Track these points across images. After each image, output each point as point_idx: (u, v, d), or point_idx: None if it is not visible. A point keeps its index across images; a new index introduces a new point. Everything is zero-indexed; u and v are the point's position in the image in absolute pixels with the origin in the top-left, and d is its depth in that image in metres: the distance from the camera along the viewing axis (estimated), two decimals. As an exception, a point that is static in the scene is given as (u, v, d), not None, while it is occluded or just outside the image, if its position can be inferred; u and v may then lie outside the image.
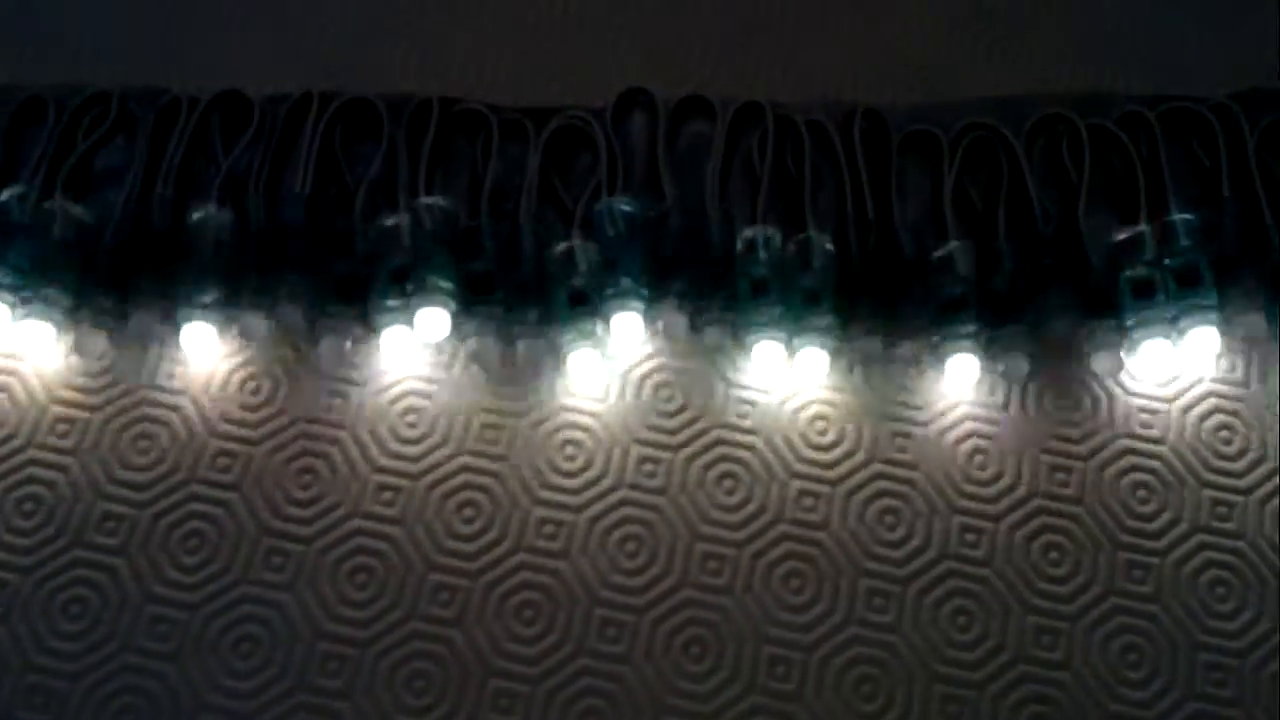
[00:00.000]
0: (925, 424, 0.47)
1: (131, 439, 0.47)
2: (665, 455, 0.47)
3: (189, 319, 0.47)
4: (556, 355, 0.48)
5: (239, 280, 0.48)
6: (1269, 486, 0.46)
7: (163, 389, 0.48)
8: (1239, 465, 0.46)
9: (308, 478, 0.46)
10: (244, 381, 0.48)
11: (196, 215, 0.49)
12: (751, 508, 0.46)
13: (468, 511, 0.46)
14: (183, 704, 0.42)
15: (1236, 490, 0.46)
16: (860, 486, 0.46)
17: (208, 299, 0.48)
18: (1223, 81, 0.52)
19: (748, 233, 0.49)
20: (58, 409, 0.47)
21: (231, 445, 0.47)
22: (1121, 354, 0.47)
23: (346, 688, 0.43)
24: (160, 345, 0.48)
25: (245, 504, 0.46)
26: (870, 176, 0.51)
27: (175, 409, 0.47)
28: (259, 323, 0.47)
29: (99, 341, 0.48)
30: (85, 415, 0.47)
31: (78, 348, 0.48)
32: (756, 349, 0.48)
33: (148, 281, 0.48)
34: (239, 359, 0.48)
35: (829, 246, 0.49)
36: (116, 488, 0.46)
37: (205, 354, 0.48)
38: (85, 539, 0.45)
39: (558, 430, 0.47)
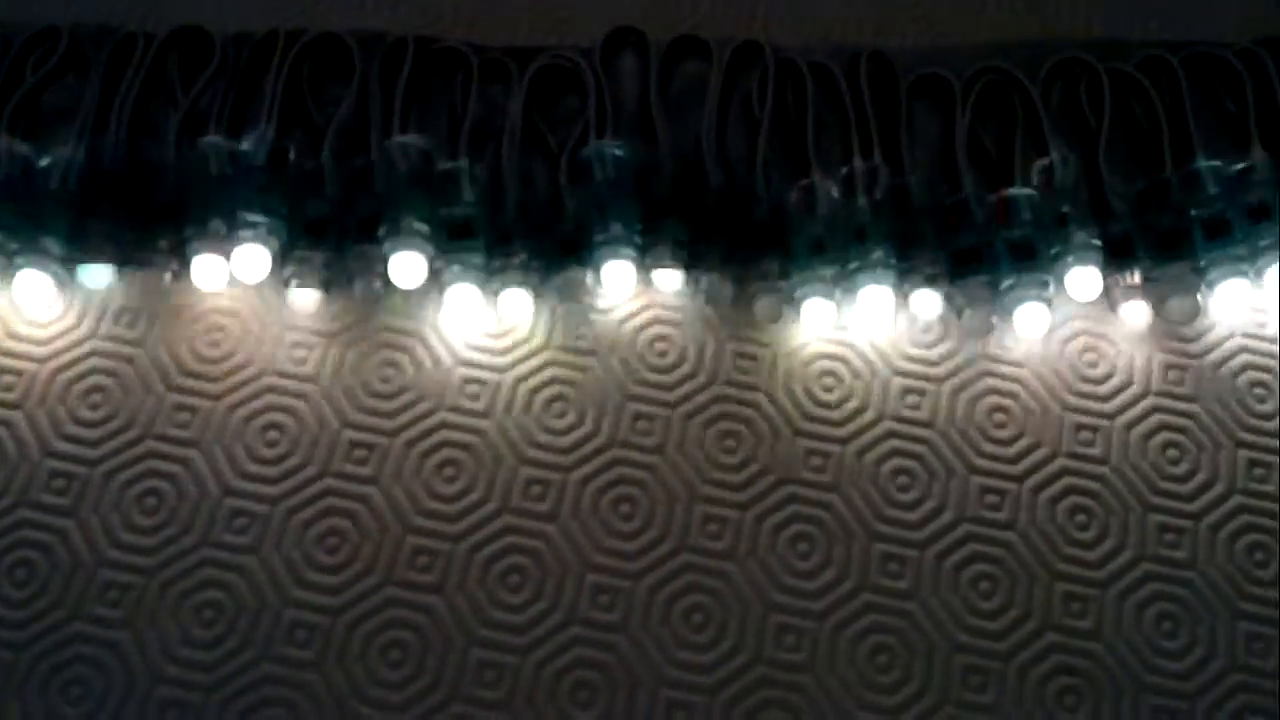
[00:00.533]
0: (940, 380, 0.44)
1: (82, 392, 0.43)
2: (661, 412, 0.43)
3: (142, 264, 0.44)
4: (542, 305, 0.44)
5: (197, 223, 0.44)
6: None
7: (115, 338, 0.44)
8: (1274, 424, 0.43)
9: (274, 434, 0.42)
10: (206, 331, 0.44)
11: (152, 156, 0.45)
12: (755, 467, 0.42)
13: (448, 471, 0.42)
14: (137, 676, 0.39)
15: (1273, 450, 0.43)
16: (872, 445, 0.43)
17: (162, 243, 0.44)
18: (1248, 27, 0.50)
19: (747, 178, 0.46)
20: (1, 360, 0.43)
21: (191, 400, 0.43)
22: (1198, 298, 0.44)
23: (317, 658, 0.39)
24: (111, 292, 0.44)
25: (206, 461, 0.42)
26: (878, 122, 0.47)
27: (128, 360, 0.43)
28: (218, 267, 0.44)
29: (46, 289, 0.44)
30: (31, 367, 0.43)
31: (23, 295, 0.44)
32: (757, 300, 0.45)
33: (98, 225, 0.44)
34: (195, 308, 0.44)
35: (834, 194, 0.46)
36: (65, 444, 0.42)
37: (159, 302, 0.44)
38: (31, 498, 0.41)
39: (545, 385, 0.44)
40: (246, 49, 0.48)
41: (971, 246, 0.45)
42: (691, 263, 0.45)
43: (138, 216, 0.44)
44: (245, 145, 0.45)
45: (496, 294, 0.45)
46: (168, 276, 0.44)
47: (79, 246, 0.44)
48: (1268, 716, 0.39)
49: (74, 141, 0.45)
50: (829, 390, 0.44)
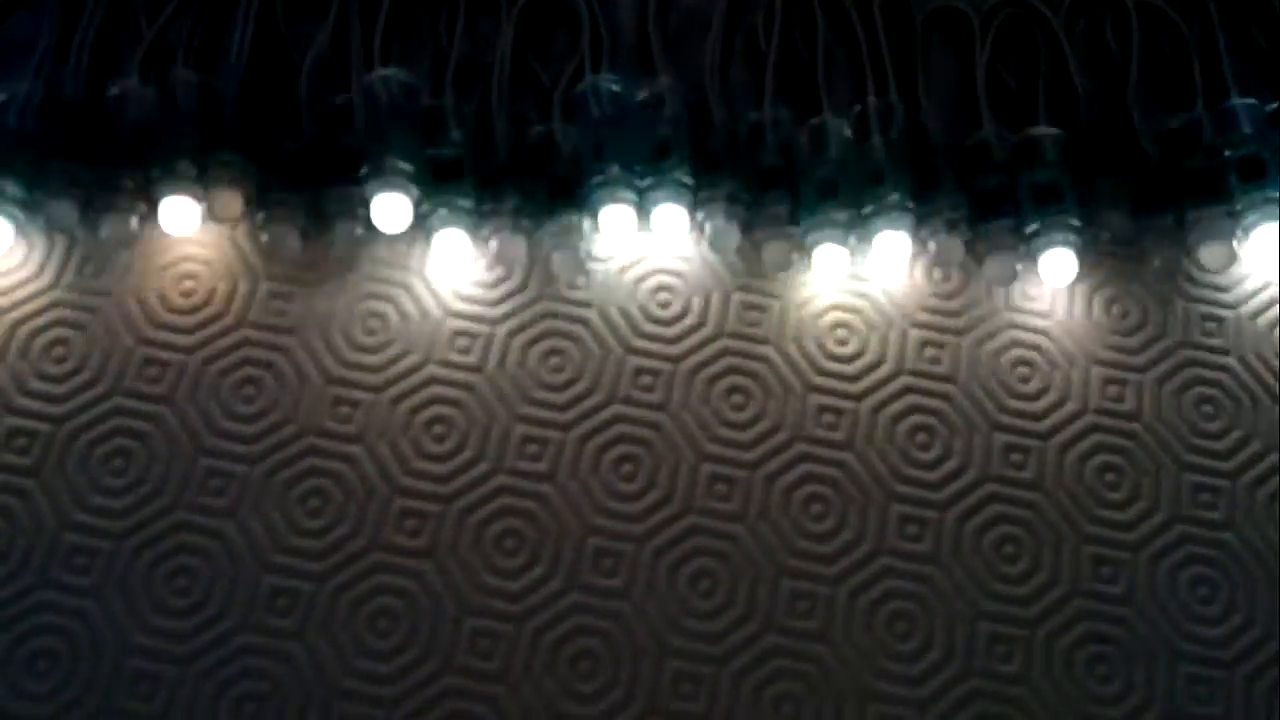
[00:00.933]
0: (961, 332, 0.41)
1: (45, 345, 0.40)
2: (665, 366, 0.41)
3: (107, 207, 0.41)
4: (536, 252, 0.42)
5: (165, 164, 0.41)
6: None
7: (81, 289, 0.41)
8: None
9: (251, 390, 0.40)
10: (178, 280, 0.41)
11: (115, 91, 0.42)
12: (765, 425, 0.40)
13: (438, 429, 0.39)
14: (106, 646, 0.36)
15: (1311, 408, 0.40)
16: (889, 400, 0.40)
17: (129, 184, 0.41)
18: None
19: (754, 116, 0.43)
20: (-43, 310, 0.40)
21: (162, 353, 0.40)
22: (1233, 244, 0.42)
23: (299, 627, 0.37)
24: (75, 237, 0.41)
25: (179, 418, 0.39)
26: (892, 59, 0.45)
27: (94, 311, 0.41)
28: (188, 209, 0.41)
29: (5, 234, 0.41)
30: (-11, 318, 0.40)
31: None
32: (766, 247, 0.42)
33: (61, 166, 0.41)
34: (174, 254, 0.41)
35: (847, 133, 0.43)
36: (29, 400, 0.39)
37: (126, 247, 0.41)
38: (-11, 459, 0.38)
39: (540, 338, 0.41)
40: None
41: (993, 189, 0.42)
42: (695, 207, 0.42)
43: (102, 156, 0.41)
44: (216, 80, 0.42)
45: (487, 240, 0.42)
46: (134, 220, 0.41)
47: (40, 188, 0.41)
48: (1308, 686, 0.37)
49: (32, 77, 0.42)
50: (843, 343, 0.41)
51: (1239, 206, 0.42)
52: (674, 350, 0.41)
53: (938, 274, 0.42)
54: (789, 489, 0.39)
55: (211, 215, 0.41)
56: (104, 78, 0.43)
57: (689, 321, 0.42)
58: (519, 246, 0.42)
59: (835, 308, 0.42)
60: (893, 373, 0.41)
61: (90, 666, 0.36)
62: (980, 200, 0.42)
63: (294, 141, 0.42)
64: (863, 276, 0.42)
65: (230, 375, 0.40)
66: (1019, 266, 0.42)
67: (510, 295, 0.42)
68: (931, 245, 0.42)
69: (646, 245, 0.43)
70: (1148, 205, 0.42)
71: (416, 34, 0.45)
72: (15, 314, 0.41)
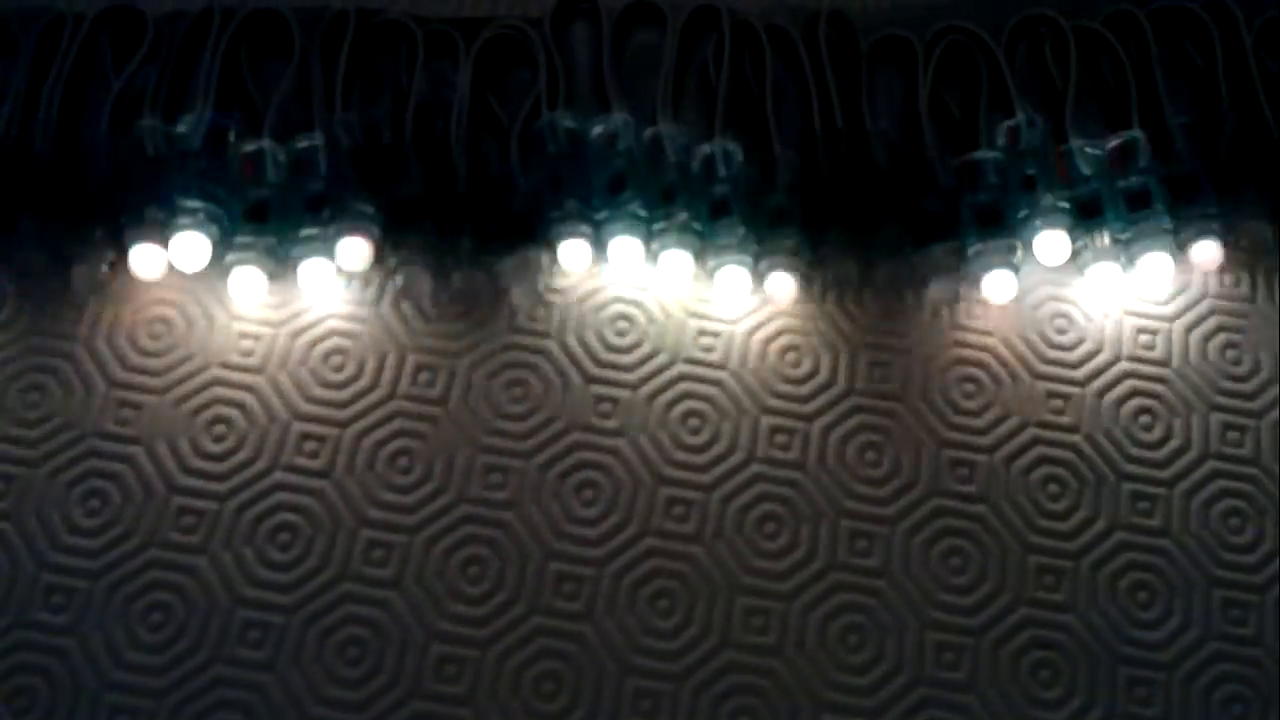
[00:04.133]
0: (907, 351, 0.43)
1: (20, 391, 0.41)
2: (623, 394, 0.42)
3: (79, 258, 0.42)
4: (496, 287, 0.43)
5: (133, 211, 0.42)
6: (1282, 408, 0.42)
7: (53, 334, 0.42)
8: (1249, 386, 0.42)
9: (220, 428, 0.41)
10: (148, 324, 0.43)
11: (84, 141, 0.43)
12: (720, 447, 0.41)
13: (402, 461, 0.41)
14: (84, 682, 0.37)
15: (1249, 414, 0.42)
16: (838, 421, 0.42)
17: (98, 232, 0.42)
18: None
19: (705, 148, 0.44)
20: (-67, 359, 0.41)
21: (133, 395, 0.41)
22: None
23: (270, 659, 0.38)
24: (48, 284, 0.42)
25: (150, 458, 0.40)
26: (839, 86, 0.46)
27: (68, 356, 0.42)
28: (156, 255, 0.42)
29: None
30: (-35, 365, 0.41)
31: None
32: (720, 275, 0.43)
33: (31, 215, 0.42)
34: (142, 298, 0.43)
35: (795, 162, 0.44)
36: (3, 445, 0.40)
37: (100, 294, 0.43)
38: (-33, 503, 0.39)
39: (502, 370, 0.42)
40: (181, 27, 0.46)
41: (937, 212, 0.43)
42: (650, 238, 0.44)
43: (71, 204, 0.43)
44: (181, 128, 0.43)
45: (449, 276, 0.43)
46: (104, 267, 0.42)
47: (10, 237, 0.42)
48: (1245, 684, 0.38)
49: (2, 126, 0.43)
50: (795, 365, 0.43)
51: (1174, 223, 0.43)
52: (631, 377, 0.42)
53: (885, 296, 0.44)
54: (744, 509, 0.40)
55: (179, 261, 0.42)
56: (73, 127, 0.44)
57: (645, 349, 0.43)
58: (480, 281, 0.43)
59: (786, 332, 0.43)
60: (843, 393, 0.42)
61: (69, 701, 0.37)
62: (924, 223, 0.44)
63: (258, 187, 0.43)
64: (813, 301, 0.43)
65: (200, 415, 0.41)
66: (962, 287, 0.43)
67: (471, 329, 0.43)
68: (881, 270, 0.43)
69: (604, 276, 0.44)
70: (1085, 224, 0.44)
71: (377, 73, 0.46)
72: (-9, 361, 0.42)
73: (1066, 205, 0.44)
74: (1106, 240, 0.43)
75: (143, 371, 0.42)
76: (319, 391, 0.42)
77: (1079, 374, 0.42)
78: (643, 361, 0.43)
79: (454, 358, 0.42)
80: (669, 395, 0.42)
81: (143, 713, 0.37)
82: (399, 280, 0.43)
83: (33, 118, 0.44)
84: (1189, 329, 0.43)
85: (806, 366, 0.43)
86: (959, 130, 0.46)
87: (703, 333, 0.43)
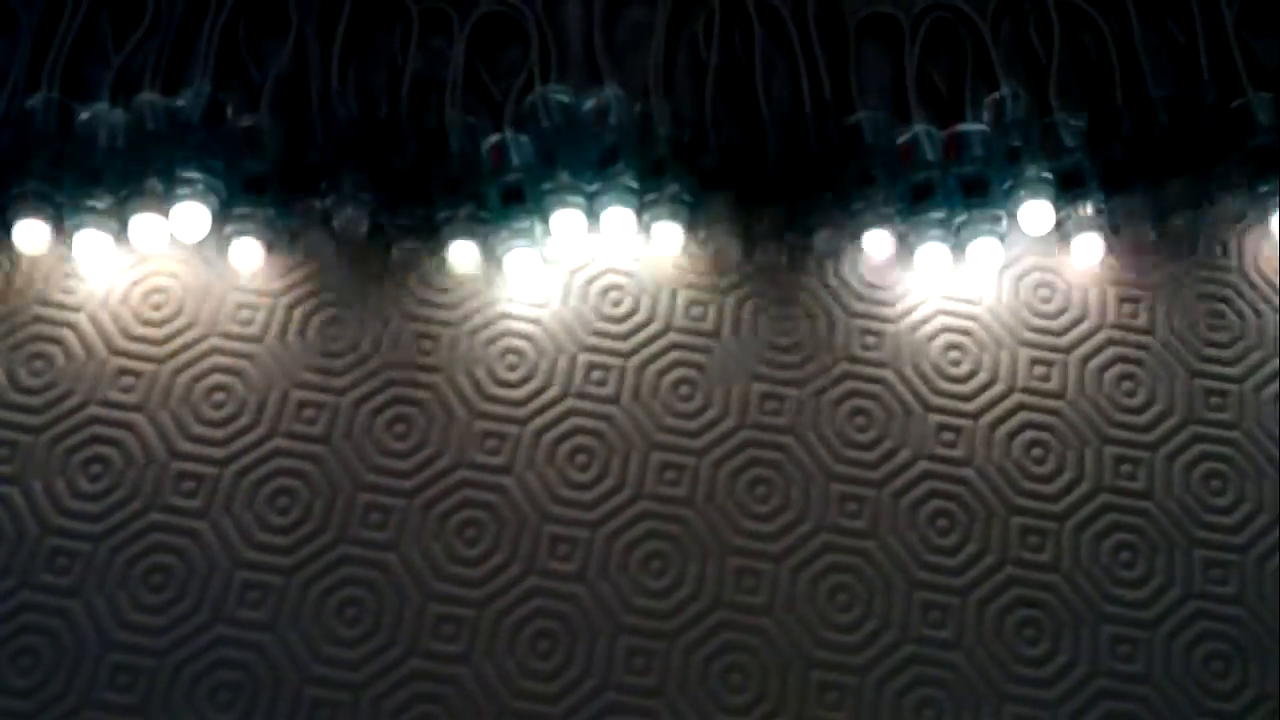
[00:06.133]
0: (895, 320, 0.44)
1: (25, 358, 0.42)
2: (616, 362, 0.43)
3: (80, 226, 0.43)
4: (491, 257, 0.44)
5: (134, 183, 0.43)
6: (1263, 373, 0.43)
7: (56, 304, 0.43)
8: (1230, 353, 0.43)
9: (221, 395, 0.42)
10: (147, 294, 0.43)
11: (85, 115, 0.44)
12: (710, 414, 0.42)
13: (399, 427, 0.41)
14: (88, 642, 0.38)
15: (1230, 379, 0.43)
16: (829, 387, 0.43)
17: (101, 204, 0.43)
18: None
19: (696, 122, 0.45)
20: (-63, 329, 0.42)
21: (134, 364, 0.42)
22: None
23: (270, 619, 0.39)
24: (50, 257, 0.43)
25: (151, 425, 0.41)
26: (827, 62, 0.47)
27: (71, 325, 0.43)
28: (158, 227, 0.43)
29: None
30: (-31, 335, 0.42)
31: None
32: (709, 246, 0.44)
33: (33, 188, 0.43)
34: (141, 270, 0.43)
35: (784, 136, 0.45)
36: (8, 411, 0.41)
37: (102, 265, 0.43)
38: (-28, 468, 0.40)
39: (497, 338, 0.43)
40: (181, 4, 0.47)
41: (924, 183, 0.44)
42: (641, 209, 0.44)
43: (73, 177, 0.43)
44: (181, 102, 0.44)
45: (445, 247, 0.44)
46: (106, 238, 0.43)
47: (12, 209, 0.43)
48: (1225, 641, 0.39)
49: (5, 102, 0.44)
50: (787, 334, 0.43)
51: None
52: (624, 346, 0.43)
53: (872, 265, 0.44)
54: (734, 473, 0.41)
55: (179, 232, 0.43)
56: (74, 103, 0.45)
57: (638, 319, 0.44)
58: (473, 253, 0.44)
59: (775, 302, 0.44)
60: (831, 361, 0.43)
61: (72, 661, 0.38)
62: (911, 194, 0.44)
63: (256, 160, 0.44)
64: (801, 271, 0.44)
65: (200, 383, 0.42)
66: (948, 256, 0.44)
67: (467, 299, 0.44)
68: (865, 239, 0.44)
69: (596, 247, 0.45)
70: (1069, 195, 0.45)
71: (373, 50, 0.47)
72: (-6, 331, 0.42)
73: (1050, 177, 0.44)
74: (1090, 210, 0.44)
75: (143, 340, 0.42)
76: (318, 361, 0.42)
77: (1062, 341, 0.43)
78: (636, 330, 0.43)
79: (451, 327, 0.43)
80: (662, 363, 0.43)
81: (145, 671, 0.38)
82: (395, 251, 0.44)
83: (35, 93, 0.44)
84: (1172, 296, 0.44)
85: (795, 335, 0.43)
86: (945, 104, 0.47)
87: (694, 302, 0.44)
